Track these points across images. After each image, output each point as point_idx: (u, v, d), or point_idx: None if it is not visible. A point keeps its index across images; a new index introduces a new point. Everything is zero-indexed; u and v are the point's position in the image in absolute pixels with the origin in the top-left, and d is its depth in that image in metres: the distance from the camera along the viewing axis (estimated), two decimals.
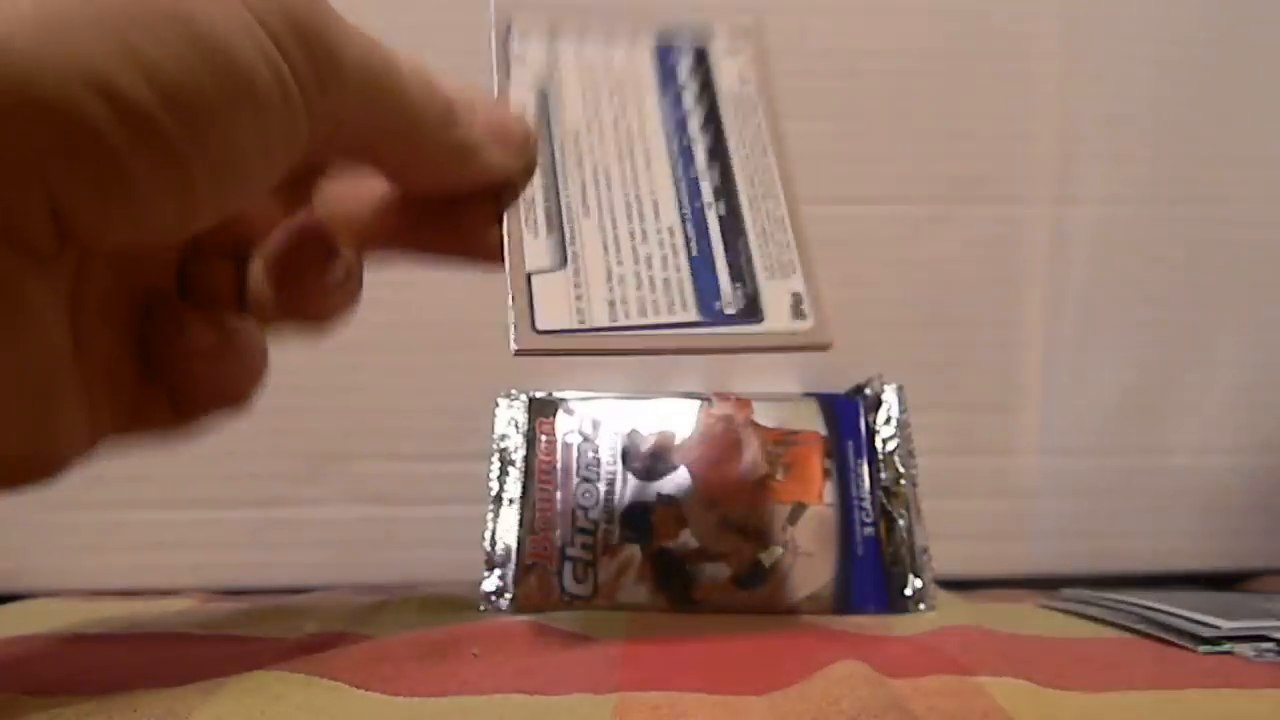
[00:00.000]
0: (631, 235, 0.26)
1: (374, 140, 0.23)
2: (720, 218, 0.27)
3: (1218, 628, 0.28)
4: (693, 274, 0.26)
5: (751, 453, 0.37)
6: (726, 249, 0.27)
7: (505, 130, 0.26)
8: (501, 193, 0.26)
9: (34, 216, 0.18)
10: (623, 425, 0.38)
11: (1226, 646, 0.27)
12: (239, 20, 0.19)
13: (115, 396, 0.23)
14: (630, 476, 0.37)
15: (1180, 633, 0.29)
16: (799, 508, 0.36)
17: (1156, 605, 0.31)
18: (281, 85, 0.19)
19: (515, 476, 0.37)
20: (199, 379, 0.25)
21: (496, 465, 0.38)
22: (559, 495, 0.37)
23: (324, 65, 0.20)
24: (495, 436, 0.38)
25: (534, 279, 0.25)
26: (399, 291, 0.49)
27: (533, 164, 0.26)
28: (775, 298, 0.26)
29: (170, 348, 0.24)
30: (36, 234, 0.18)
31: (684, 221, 0.27)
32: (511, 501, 0.37)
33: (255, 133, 0.20)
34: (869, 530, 0.36)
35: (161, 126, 0.18)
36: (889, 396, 0.39)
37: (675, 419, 0.38)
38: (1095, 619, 0.34)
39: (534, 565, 0.36)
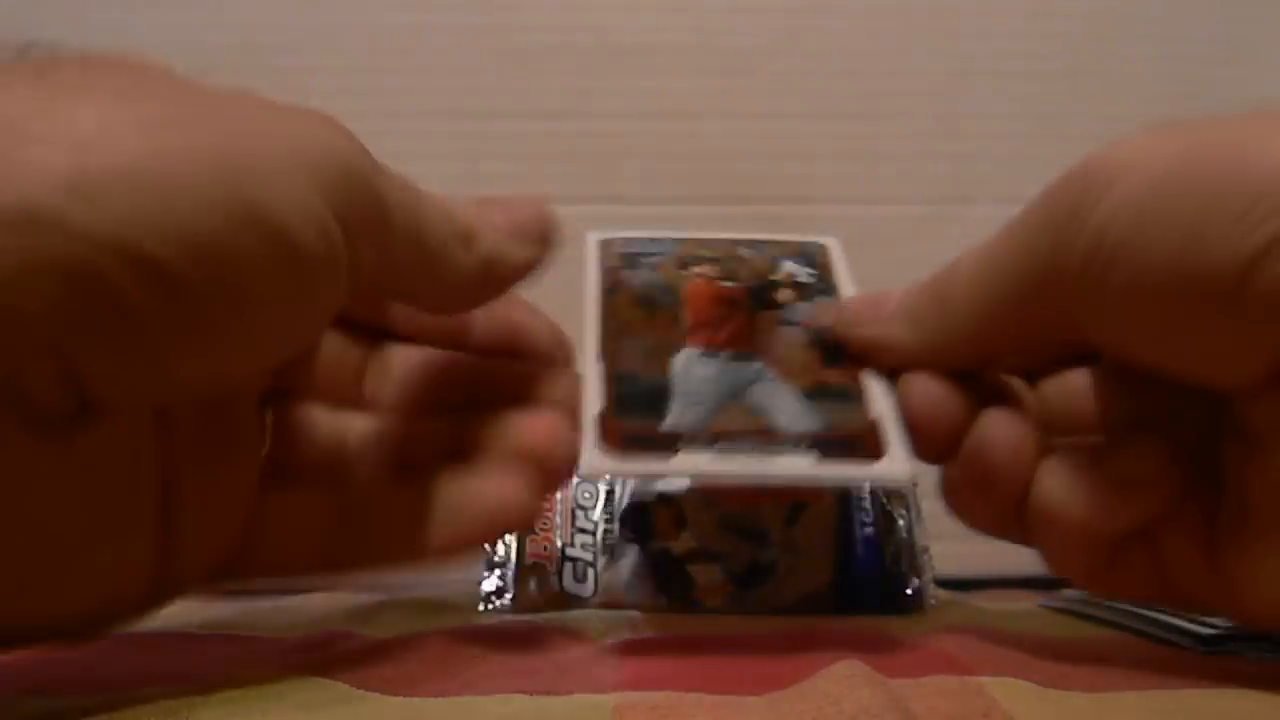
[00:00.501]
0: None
1: (404, 277, 0.23)
2: None
3: (1217, 628, 0.28)
4: None
5: None
6: None
7: (523, 225, 0.26)
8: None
9: (40, 377, 0.17)
10: None
11: (1226, 646, 0.27)
12: (281, 176, 0.18)
13: (215, 547, 0.23)
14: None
15: (1180, 632, 0.29)
16: (799, 508, 0.36)
17: (1157, 605, 0.31)
18: (331, 248, 0.19)
19: None
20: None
21: None
22: (559, 495, 0.37)
23: (375, 222, 0.20)
24: None
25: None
26: None
27: (555, 239, 0.26)
28: None
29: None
30: (44, 394, 0.17)
31: None
32: None
33: (295, 291, 0.19)
34: (869, 530, 0.36)
35: (189, 286, 0.17)
36: None
37: None
38: (1095, 619, 0.34)
39: (534, 565, 0.36)
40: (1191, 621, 0.28)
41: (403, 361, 0.28)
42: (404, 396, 0.27)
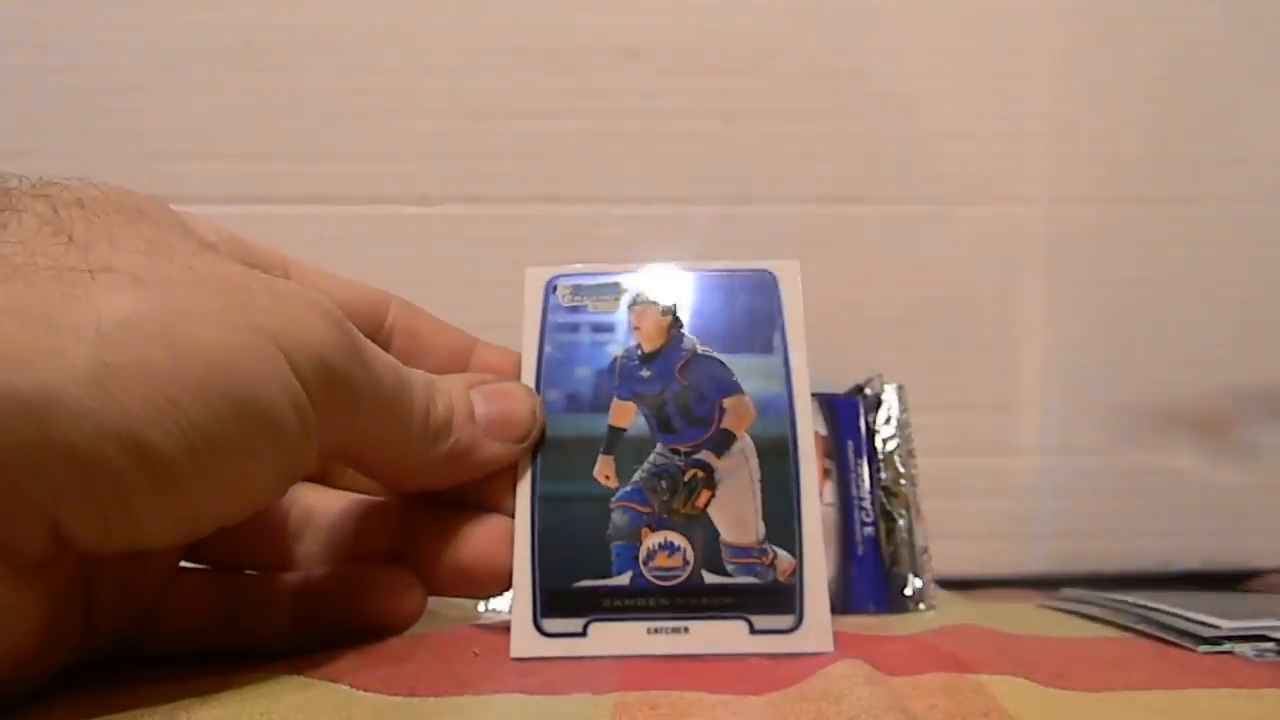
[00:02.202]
0: None
1: (366, 453, 0.25)
2: None
3: (1218, 627, 0.27)
4: None
5: None
6: None
7: (507, 420, 0.27)
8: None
9: (31, 536, 0.18)
10: None
11: (1226, 646, 0.27)
12: (278, 372, 0.20)
13: (127, 621, 0.24)
14: None
15: (1180, 632, 0.29)
16: None
17: (1156, 605, 0.31)
18: (303, 423, 0.21)
19: None
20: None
21: None
22: None
23: (342, 403, 0.22)
24: None
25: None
26: (396, 293, 0.49)
27: (534, 439, 0.28)
28: None
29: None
30: (30, 548, 0.18)
31: None
32: None
33: (269, 464, 0.21)
34: (869, 530, 0.36)
35: (180, 472, 0.19)
36: (889, 396, 0.39)
37: None
38: (1095, 619, 0.34)
39: None
40: (1192, 621, 0.28)
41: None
42: (361, 480, 0.29)
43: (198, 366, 0.19)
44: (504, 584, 0.27)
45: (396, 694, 0.21)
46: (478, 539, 0.27)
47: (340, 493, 0.29)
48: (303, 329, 0.21)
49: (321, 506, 0.28)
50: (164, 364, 0.18)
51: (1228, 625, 0.27)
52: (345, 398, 0.22)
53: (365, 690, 0.21)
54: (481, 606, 0.35)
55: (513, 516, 0.27)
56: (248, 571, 0.28)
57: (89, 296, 0.18)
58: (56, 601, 0.20)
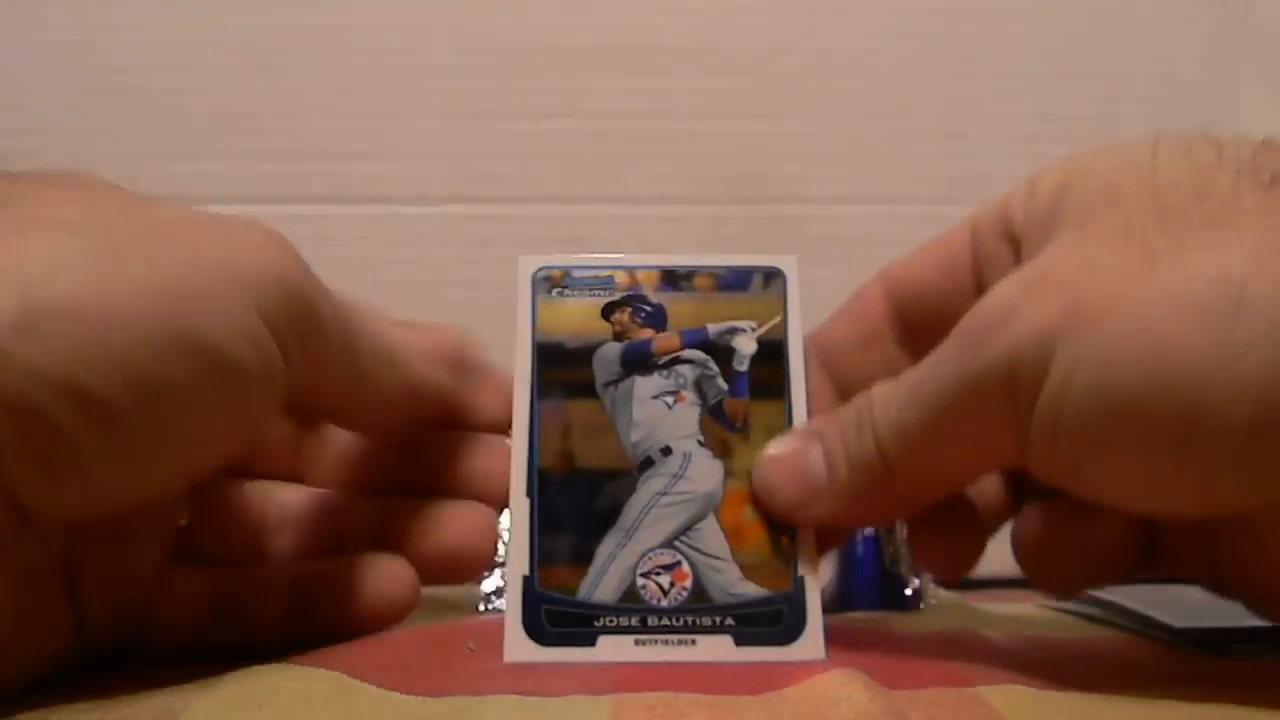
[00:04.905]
0: None
1: (334, 389, 0.24)
2: None
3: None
4: None
5: None
6: None
7: (438, 352, 0.27)
8: None
9: None
10: None
11: (1224, 646, 0.27)
12: (227, 303, 0.19)
13: (123, 615, 0.24)
14: None
15: (1179, 633, 0.29)
16: None
17: (1156, 604, 0.31)
18: (261, 356, 0.20)
19: None
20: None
21: None
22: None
23: (310, 334, 0.21)
24: None
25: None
26: (396, 293, 0.49)
27: (472, 372, 0.27)
28: None
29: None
30: None
31: None
32: None
33: (223, 404, 0.20)
34: (869, 530, 0.36)
35: (123, 416, 0.18)
36: None
37: None
38: (1095, 619, 0.34)
39: None
40: (1191, 620, 0.28)
41: (338, 441, 0.28)
42: (335, 476, 0.28)
43: (129, 301, 0.18)
44: (487, 566, 0.26)
45: (395, 688, 0.21)
46: (458, 523, 0.26)
47: (316, 489, 0.29)
48: (249, 256, 0.20)
49: (297, 503, 0.28)
50: (93, 302, 0.17)
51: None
52: (310, 318, 0.21)
53: (364, 681, 0.21)
54: (481, 606, 0.35)
55: (497, 510, 0.27)
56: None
57: (13, 246, 0.17)
58: (28, 585, 0.19)
